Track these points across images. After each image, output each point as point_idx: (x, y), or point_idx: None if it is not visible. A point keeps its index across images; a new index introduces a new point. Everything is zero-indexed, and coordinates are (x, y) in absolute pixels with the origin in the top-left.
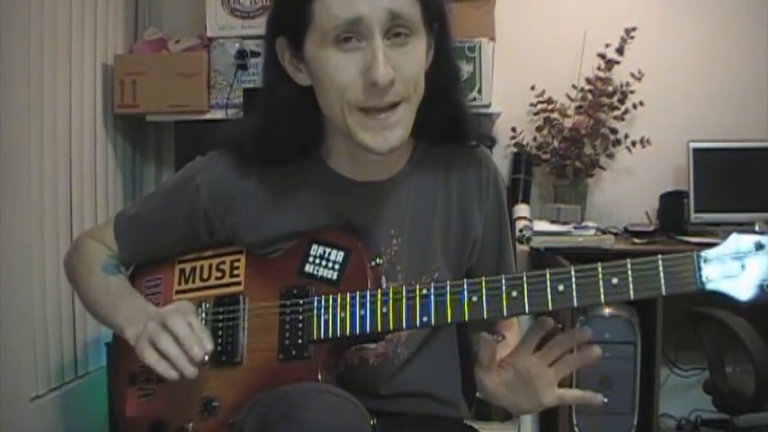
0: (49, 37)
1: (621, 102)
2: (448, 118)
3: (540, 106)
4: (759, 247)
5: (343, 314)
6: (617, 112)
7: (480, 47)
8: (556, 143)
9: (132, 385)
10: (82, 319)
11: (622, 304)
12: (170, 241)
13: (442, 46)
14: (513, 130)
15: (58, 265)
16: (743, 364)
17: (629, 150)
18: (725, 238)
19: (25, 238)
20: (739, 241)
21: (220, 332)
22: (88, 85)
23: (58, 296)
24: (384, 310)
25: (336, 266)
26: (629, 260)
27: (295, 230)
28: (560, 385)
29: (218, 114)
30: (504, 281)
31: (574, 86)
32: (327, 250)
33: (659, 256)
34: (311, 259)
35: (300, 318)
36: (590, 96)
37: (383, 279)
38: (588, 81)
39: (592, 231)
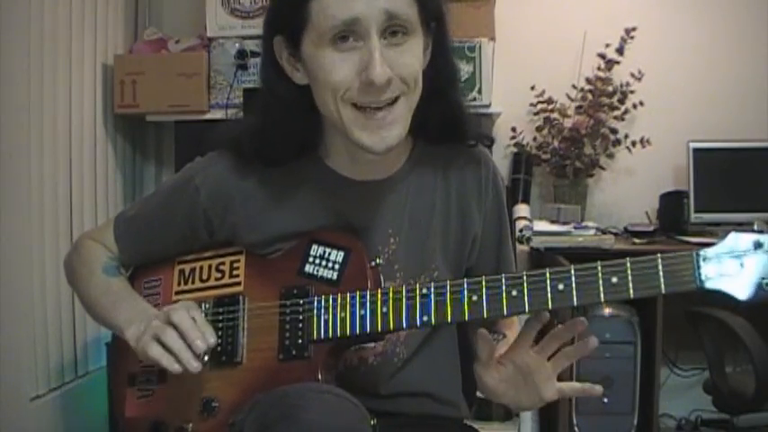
0: (49, 37)
1: (621, 102)
2: (446, 117)
3: (540, 106)
4: (758, 245)
5: (343, 314)
6: (617, 112)
7: (480, 47)
8: (556, 143)
9: (132, 386)
10: (82, 319)
11: (622, 304)
12: (170, 242)
13: (439, 45)
14: (513, 130)
15: (58, 265)
16: (743, 364)
17: (629, 150)
18: (724, 237)
19: (25, 238)
20: (738, 240)
21: (220, 332)
22: (88, 85)
23: (58, 296)
24: (384, 309)
25: (336, 266)
26: (628, 259)
27: (294, 230)
28: (559, 381)
29: (218, 114)
30: (503, 280)
31: (574, 86)
32: (327, 250)
33: (658, 254)
34: (311, 259)
35: (300, 318)
36: (590, 96)
37: (382, 279)
38: (588, 81)
39: (592, 231)
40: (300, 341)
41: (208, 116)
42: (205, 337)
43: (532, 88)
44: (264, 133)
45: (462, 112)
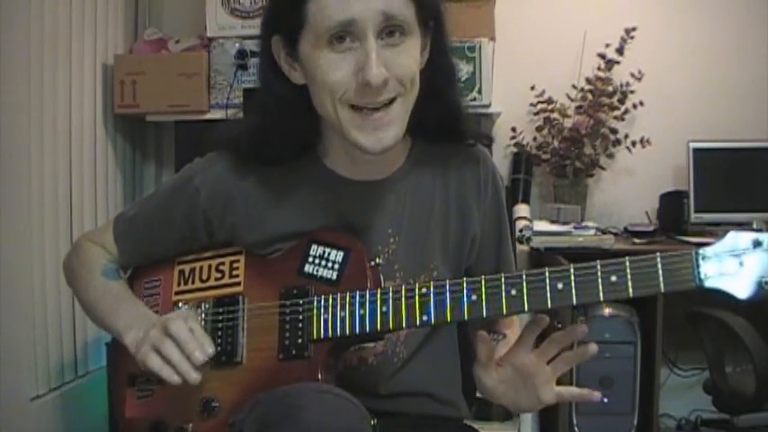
0: (49, 37)
1: (621, 102)
2: (445, 117)
3: (540, 106)
4: (757, 244)
5: (342, 314)
6: (617, 112)
7: (480, 47)
8: (556, 143)
9: (132, 386)
10: (82, 319)
11: (622, 304)
12: (169, 242)
13: (437, 45)
14: (513, 130)
15: (57, 265)
16: (743, 364)
17: (629, 150)
18: (723, 236)
19: (25, 238)
20: (737, 239)
21: (220, 332)
22: (88, 85)
23: (58, 296)
24: (384, 309)
25: (336, 266)
26: (627, 258)
27: (294, 230)
28: (559, 383)
29: (218, 114)
30: (503, 279)
31: (574, 86)
32: (327, 250)
33: (657, 253)
34: (311, 259)
35: (300, 317)
36: (590, 96)
37: (382, 278)
38: (588, 81)
39: (592, 231)
40: (300, 341)
41: (208, 116)
42: (204, 348)
43: (532, 88)
44: (263, 133)
45: (461, 112)
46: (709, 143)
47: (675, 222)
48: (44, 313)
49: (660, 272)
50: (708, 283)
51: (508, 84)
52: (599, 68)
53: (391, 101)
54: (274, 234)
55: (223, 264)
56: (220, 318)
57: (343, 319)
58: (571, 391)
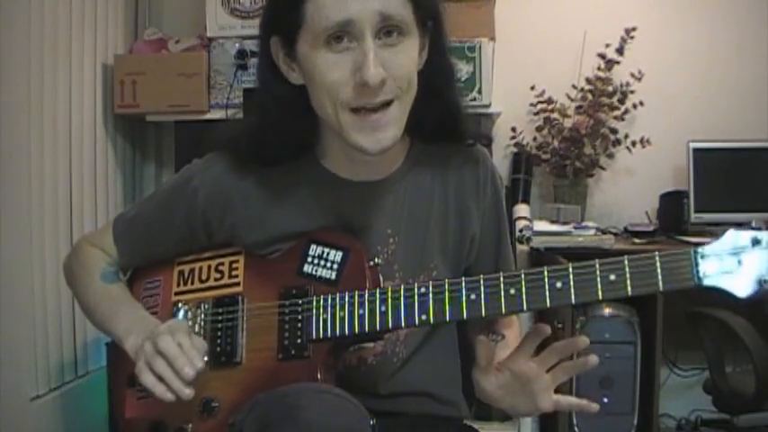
0: (49, 37)
1: (621, 102)
2: (443, 117)
3: (540, 106)
4: (756, 242)
5: (342, 313)
6: (617, 112)
7: (480, 47)
8: (556, 143)
9: (132, 386)
10: (82, 319)
11: (622, 304)
12: (169, 243)
13: (436, 45)
14: (513, 130)
15: (58, 265)
16: (743, 364)
17: (629, 150)
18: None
19: (25, 238)
20: (736, 237)
21: (219, 333)
22: (88, 85)
23: (58, 296)
24: (383, 308)
25: (335, 266)
26: (626, 257)
27: (293, 230)
28: (559, 388)
29: (218, 114)
30: (502, 278)
31: (574, 86)
32: (326, 250)
33: (656, 252)
34: (310, 259)
35: (299, 317)
36: (590, 96)
37: (381, 278)
38: (588, 81)
39: (592, 231)
40: (300, 341)
41: (208, 116)
42: (193, 363)
43: (532, 88)
44: (261, 133)
45: (460, 112)
46: (709, 143)
47: (675, 222)
48: (44, 313)
49: (659, 270)
50: (706, 282)
51: (508, 84)
52: (599, 68)
53: (389, 102)
54: (273, 234)
55: (222, 264)
56: (220, 318)
57: (342, 319)
58: (569, 400)
